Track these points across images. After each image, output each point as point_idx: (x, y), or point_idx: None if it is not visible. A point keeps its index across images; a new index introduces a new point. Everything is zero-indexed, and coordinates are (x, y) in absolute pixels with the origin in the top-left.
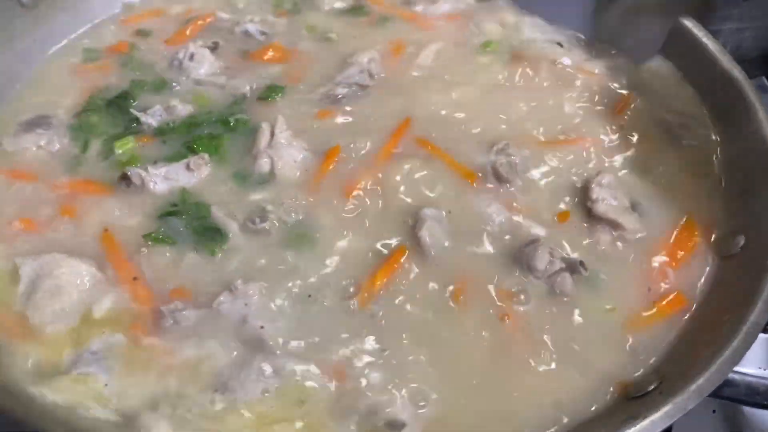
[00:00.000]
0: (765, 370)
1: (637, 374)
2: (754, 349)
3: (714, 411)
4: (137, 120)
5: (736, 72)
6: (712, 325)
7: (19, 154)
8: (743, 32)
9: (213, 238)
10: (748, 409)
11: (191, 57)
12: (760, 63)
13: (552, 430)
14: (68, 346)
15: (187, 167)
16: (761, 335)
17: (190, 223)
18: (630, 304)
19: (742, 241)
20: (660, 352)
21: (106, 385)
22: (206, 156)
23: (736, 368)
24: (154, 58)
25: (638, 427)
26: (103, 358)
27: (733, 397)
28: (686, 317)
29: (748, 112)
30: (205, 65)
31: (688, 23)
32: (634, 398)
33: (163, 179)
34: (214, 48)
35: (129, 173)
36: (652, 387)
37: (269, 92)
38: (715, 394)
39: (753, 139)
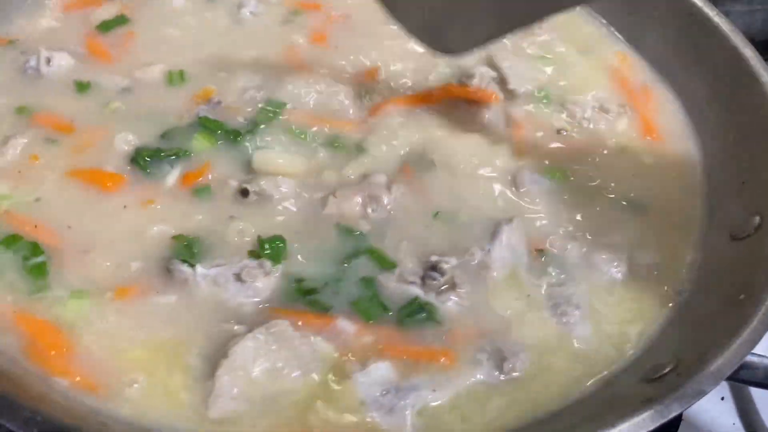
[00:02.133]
0: None
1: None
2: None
3: (723, 398)
4: None
5: (748, 51)
6: (726, 307)
7: None
8: (754, 14)
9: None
10: (757, 396)
11: (48, 61)
12: None
13: None
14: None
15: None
16: None
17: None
18: None
19: (757, 221)
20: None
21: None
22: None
23: (754, 351)
24: None
25: (654, 410)
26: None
27: (751, 380)
28: (700, 296)
29: (761, 91)
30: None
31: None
32: (651, 380)
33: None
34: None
35: (171, 266)
36: (668, 369)
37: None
38: (733, 377)
39: (764, 117)
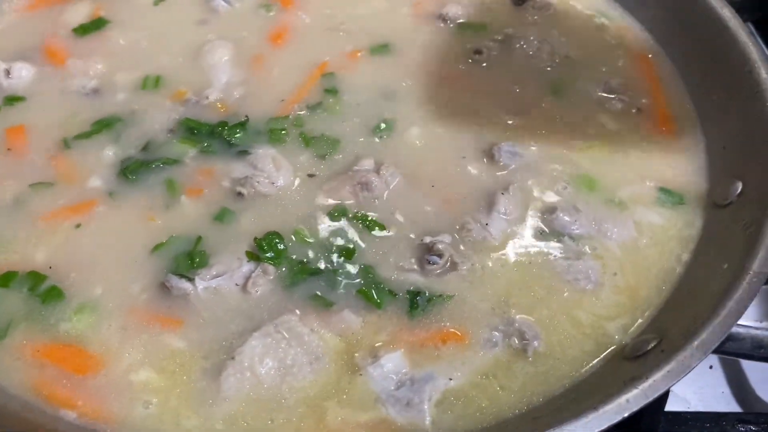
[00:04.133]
0: (761, 322)
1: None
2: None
3: (711, 367)
4: None
5: (727, 12)
6: (710, 277)
7: None
8: None
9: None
10: (746, 365)
11: (7, 73)
12: (748, 8)
13: None
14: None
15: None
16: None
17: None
18: None
19: (739, 187)
20: (657, 306)
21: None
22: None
23: (739, 321)
24: None
25: (640, 389)
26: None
27: (738, 351)
28: (680, 273)
29: (742, 53)
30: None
31: None
32: (635, 358)
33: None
34: None
35: (169, 284)
36: (652, 345)
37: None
38: (719, 349)
39: (746, 80)
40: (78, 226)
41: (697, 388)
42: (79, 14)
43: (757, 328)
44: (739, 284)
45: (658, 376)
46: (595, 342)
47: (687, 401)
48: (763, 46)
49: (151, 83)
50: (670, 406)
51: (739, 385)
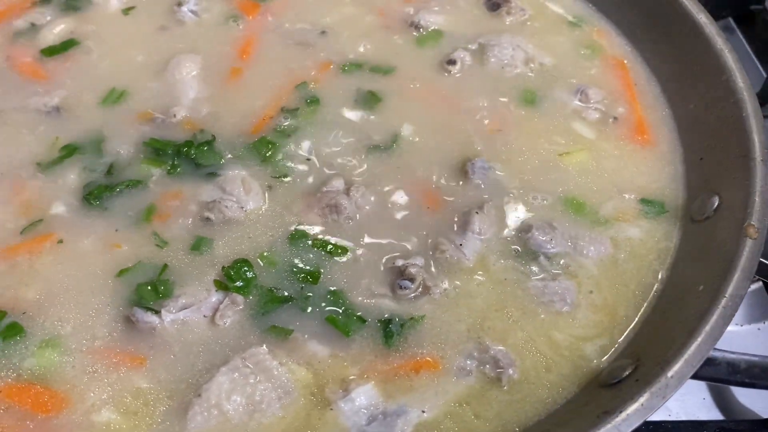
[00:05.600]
0: (742, 326)
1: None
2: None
3: None
4: None
5: (703, 17)
6: (686, 298)
7: None
8: None
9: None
10: None
11: None
12: (726, 4)
13: None
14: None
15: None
16: None
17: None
18: None
19: (716, 201)
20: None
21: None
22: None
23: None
24: None
25: (612, 424)
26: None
27: (714, 377)
28: (658, 289)
29: (718, 61)
30: None
31: None
32: (610, 386)
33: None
34: None
35: (134, 318)
36: (627, 373)
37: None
38: (695, 375)
39: (722, 88)
40: (53, 247)
41: (678, 395)
42: (52, 34)
43: (732, 352)
44: (714, 308)
45: (631, 409)
46: (573, 365)
47: (668, 409)
48: (744, 41)
49: (114, 99)
50: (651, 416)
51: (720, 391)
